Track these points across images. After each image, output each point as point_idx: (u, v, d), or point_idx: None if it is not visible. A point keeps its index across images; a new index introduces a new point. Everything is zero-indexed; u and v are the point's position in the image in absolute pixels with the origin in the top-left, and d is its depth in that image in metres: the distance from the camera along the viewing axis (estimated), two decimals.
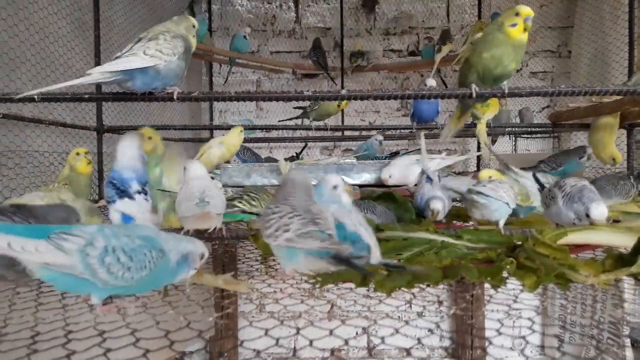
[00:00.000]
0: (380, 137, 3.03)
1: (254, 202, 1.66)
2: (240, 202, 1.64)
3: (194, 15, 3.87)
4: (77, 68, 2.49)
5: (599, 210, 1.30)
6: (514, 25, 1.48)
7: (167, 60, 1.43)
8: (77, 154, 1.86)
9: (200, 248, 1.04)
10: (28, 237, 0.90)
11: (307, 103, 3.41)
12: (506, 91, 1.51)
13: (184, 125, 3.49)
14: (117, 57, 1.42)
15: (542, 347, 2.84)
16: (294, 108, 3.59)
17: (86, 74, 1.38)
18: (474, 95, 1.51)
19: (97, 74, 1.38)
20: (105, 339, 0.93)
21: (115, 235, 0.95)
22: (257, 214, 1.66)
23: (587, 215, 1.31)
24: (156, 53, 1.42)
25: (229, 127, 3.12)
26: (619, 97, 2.23)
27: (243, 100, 1.62)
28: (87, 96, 1.56)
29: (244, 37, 3.98)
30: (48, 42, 2.25)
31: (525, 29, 1.48)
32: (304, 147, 3.76)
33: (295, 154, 3.62)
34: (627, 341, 2.17)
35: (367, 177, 2.55)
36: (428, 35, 4.58)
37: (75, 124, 2.42)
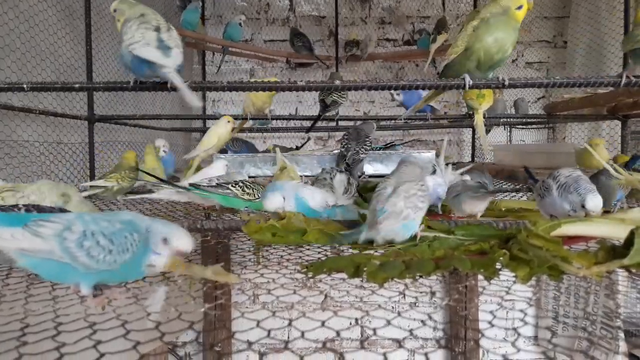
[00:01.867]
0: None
1: (247, 190, 1.67)
2: (233, 187, 1.65)
3: (185, 3, 3.82)
4: (66, 57, 2.46)
5: (595, 201, 1.30)
6: (520, 7, 1.45)
7: (181, 50, 1.43)
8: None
9: (162, 231, 0.96)
10: (5, 224, 0.90)
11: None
12: (507, 83, 1.49)
13: (175, 115, 3.46)
14: (146, 44, 1.37)
15: (535, 338, 2.86)
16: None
17: (172, 72, 1.36)
18: (467, 87, 1.49)
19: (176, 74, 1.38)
20: (96, 331, 0.92)
21: (94, 221, 0.94)
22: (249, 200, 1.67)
23: (583, 206, 1.31)
24: (179, 43, 1.43)
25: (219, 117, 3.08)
26: (613, 89, 2.22)
27: (235, 90, 1.60)
28: (77, 86, 1.53)
29: (239, 24, 3.93)
30: (37, 31, 2.21)
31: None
32: (306, 142, 3.67)
33: (296, 147, 3.57)
34: (621, 333, 2.19)
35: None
36: (422, 26, 4.54)
37: (66, 114, 2.39)
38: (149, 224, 0.98)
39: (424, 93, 2.85)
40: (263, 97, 2.63)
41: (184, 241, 0.98)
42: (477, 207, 1.54)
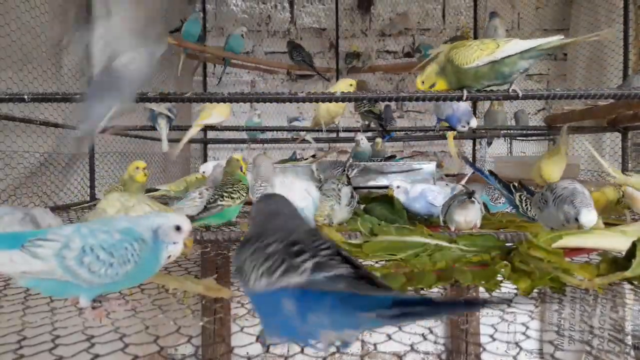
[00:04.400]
0: (361, 137, 3.01)
1: (234, 195, 1.66)
2: (222, 200, 1.63)
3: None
4: (68, 68, 2.47)
5: (589, 217, 1.29)
6: None
7: None
8: (137, 167, 1.96)
9: (172, 220, 1.00)
10: (1, 247, 0.88)
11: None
12: (520, 94, 1.51)
13: (176, 126, 3.45)
14: None
15: (539, 352, 2.83)
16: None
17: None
18: (465, 98, 1.53)
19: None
20: (94, 344, 0.91)
21: (92, 234, 0.92)
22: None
23: (576, 220, 1.30)
24: None
25: (221, 129, 3.08)
26: (613, 100, 2.22)
27: (236, 101, 1.61)
28: (77, 97, 1.54)
29: (241, 36, 3.95)
30: (39, 42, 2.22)
31: None
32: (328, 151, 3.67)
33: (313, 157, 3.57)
34: (629, 348, 2.15)
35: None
36: (422, 38, 4.57)
37: (67, 125, 2.39)
38: (146, 223, 0.98)
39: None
40: (338, 106, 2.58)
41: (188, 221, 1.03)
42: (467, 216, 1.54)
